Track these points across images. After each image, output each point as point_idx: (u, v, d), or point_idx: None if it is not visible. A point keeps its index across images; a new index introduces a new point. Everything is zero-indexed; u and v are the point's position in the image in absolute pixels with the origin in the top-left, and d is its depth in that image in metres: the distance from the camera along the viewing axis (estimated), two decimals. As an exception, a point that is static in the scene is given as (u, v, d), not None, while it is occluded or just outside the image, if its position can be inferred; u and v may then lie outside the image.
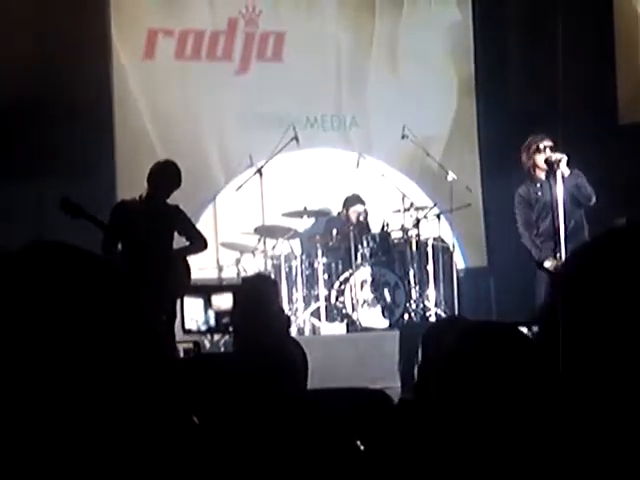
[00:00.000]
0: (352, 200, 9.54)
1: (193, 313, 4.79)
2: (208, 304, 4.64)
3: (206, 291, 4.59)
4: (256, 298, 4.15)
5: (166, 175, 7.31)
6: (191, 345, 6.48)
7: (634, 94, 10.14)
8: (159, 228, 7.24)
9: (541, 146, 7.66)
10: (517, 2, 10.83)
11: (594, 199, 7.64)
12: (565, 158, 7.59)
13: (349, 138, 10.53)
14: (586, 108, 10.21)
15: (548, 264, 7.55)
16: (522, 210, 7.78)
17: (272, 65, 10.45)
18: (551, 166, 7.62)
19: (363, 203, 9.54)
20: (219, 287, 5.05)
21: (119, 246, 7.18)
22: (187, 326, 4.62)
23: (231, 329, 4.25)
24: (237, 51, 10.36)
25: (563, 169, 7.57)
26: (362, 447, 2.48)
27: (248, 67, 10.39)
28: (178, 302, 5.72)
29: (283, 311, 5.04)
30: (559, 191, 7.52)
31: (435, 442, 2.05)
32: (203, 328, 4.79)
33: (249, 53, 10.39)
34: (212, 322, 4.59)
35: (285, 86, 10.29)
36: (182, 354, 6.20)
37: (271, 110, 10.11)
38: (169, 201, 7.40)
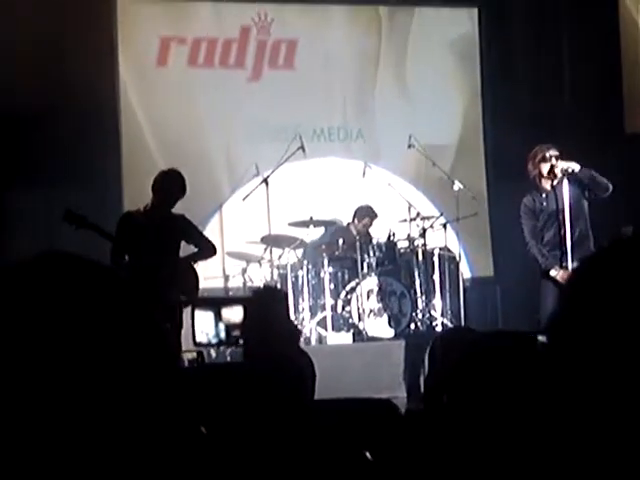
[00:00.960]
0: (365, 212, 9.54)
1: (203, 326, 4.79)
2: (218, 317, 4.64)
3: (216, 304, 4.59)
4: (266, 310, 4.15)
5: (170, 184, 7.30)
6: (195, 355, 6.48)
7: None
8: (165, 238, 7.24)
9: (547, 155, 7.66)
10: (523, 11, 10.84)
11: (611, 188, 7.61)
12: (572, 164, 7.58)
13: (355, 149, 10.54)
14: (593, 117, 10.22)
15: (554, 273, 7.54)
16: (527, 220, 7.77)
17: (284, 73, 10.49)
18: (556, 176, 7.62)
19: (375, 216, 9.55)
20: (229, 300, 5.05)
21: (126, 257, 7.18)
22: (198, 339, 4.63)
23: (241, 342, 4.24)
24: (249, 59, 10.41)
25: (573, 166, 7.55)
26: (370, 457, 2.47)
27: (260, 75, 10.43)
28: (189, 315, 5.72)
29: (293, 323, 5.04)
30: (565, 200, 7.51)
31: (446, 452, 2.04)
32: (214, 341, 4.79)
33: (261, 61, 10.44)
34: (223, 335, 4.60)
35: (294, 96, 10.31)
36: (186, 364, 6.21)
37: (278, 121, 10.13)
38: (174, 210, 7.40)
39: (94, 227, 6.87)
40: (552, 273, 7.56)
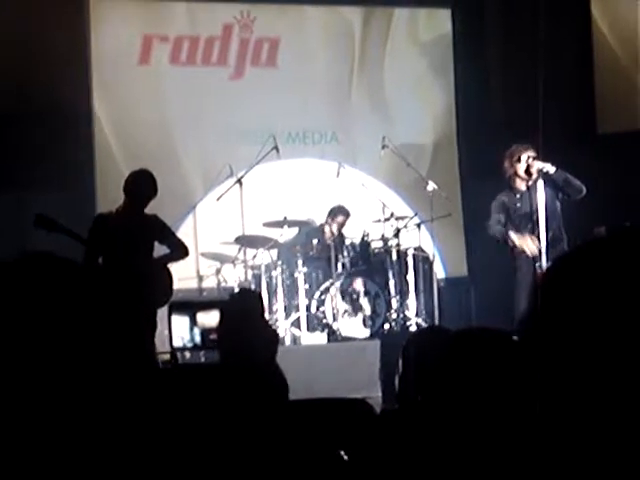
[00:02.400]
0: (337, 210, 9.56)
1: (179, 330, 4.79)
2: (193, 322, 4.65)
3: (191, 308, 4.59)
4: (243, 314, 4.15)
5: (141, 184, 7.29)
6: (168, 356, 6.48)
7: (613, 104, 10.21)
8: (138, 239, 7.22)
9: (523, 156, 7.71)
10: (497, 14, 10.89)
11: (584, 190, 7.68)
12: (547, 165, 7.63)
13: (329, 151, 10.56)
14: (566, 118, 10.28)
15: (514, 236, 7.61)
16: (496, 212, 7.82)
17: (267, 71, 10.51)
18: (531, 176, 7.66)
19: (348, 214, 9.56)
20: (205, 304, 5.03)
21: (100, 260, 7.16)
22: (175, 344, 4.63)
23: (217, 345, 4.24)
24: (232, 57, 10.42)
25: (548, 167, 7.61)
26: (346, 457, 2.48)
27: (243, 73, 10.45)
28: (165, 319, 5.71)
29: (270, 326, 5.04)
30: (540, 201, 7.56)
31: (420, 450, 2.05)
32: (189, 345, 4.79)
33: (244, 59, 10.45)
34: (198, 339, 4.60)
35: (273, 96, 10.32)
36: (160, 365, 6.19)
37: (254, 124, 10.12)
38: (147, 211, 7.38)
39: (66, 230, 6.82)
40: (512, 236, 7.63)
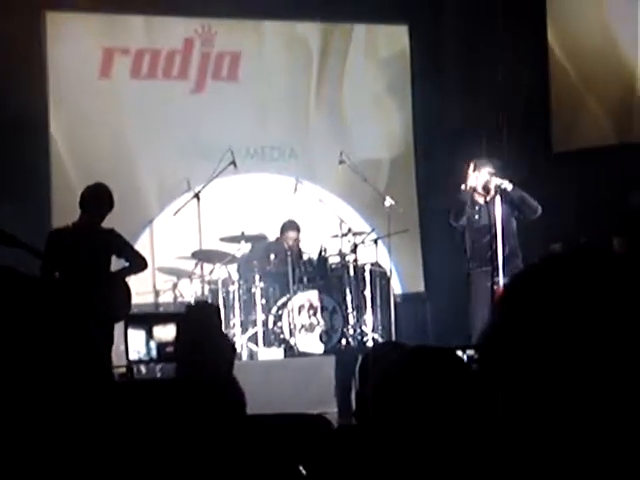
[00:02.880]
0: (287, 226, 9.56)
1: (135, 344, 4.78)
2: (150, 335, 4.64)
3: (147, 322, 4.58)
4: (200, 327, 4.13)
5: (98, 198, 7.27)
6: (124, 370, 6.43)
7: (568, 123, 10.32)
8: (96, 253, 7.19)
9: (482, 171, 7.77)
10: (454, 29, 10.97)
11: (540, 211, 7.76)
12: (505, 182, 7.71)
13: (287, 167, 10.56)
14: (522, 136, 10.37)
15: (463, 187, 7.71)
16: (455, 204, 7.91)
17: (229, 85, 10.53)
18: (489, 191, 7.73)
19: (298, 229, 9.56)
20: (161, 317, 5.01)
21: (56, 274, 7.11)
22: (131, 357, 4.62)
23: (175, 359, 4.22)
24: (193, 70, 10.41)
25: (506, 185, 7.69)
26: (304, 472, 2.48)
27: (204, 86, 10.44)
28: (122, 332, 5.68)
29: (228, 339, 5.02)
30: (497, 216, 7.62)
31: (376, 465, 2.06)
32: (145, 359, 4.78)
33: (204, 72, 10.44)
34: (154, 353, 4.58)
35: (231, 112, 10.31)
36: (116, 379, 6.16)
37: (212, 140, 10.08)
38: (103, 225, 7.35)
39: (24, 246, 6.77)
40: (462, 187, 7.70)
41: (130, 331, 4.75)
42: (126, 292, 7.31)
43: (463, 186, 7.80)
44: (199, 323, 4.18)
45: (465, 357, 3.35)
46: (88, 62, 10.03)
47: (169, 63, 10.37)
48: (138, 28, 10.29)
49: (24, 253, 6.71)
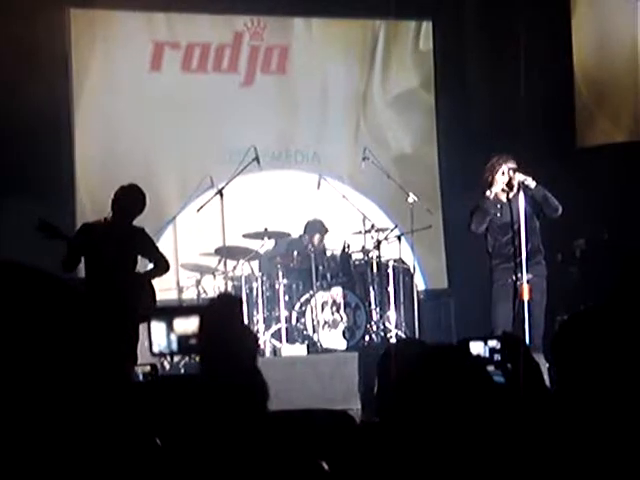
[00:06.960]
0: (315, 227, 9.55)
1: (157, 337, 4.81)
2: (170, 328, 4.65)
3: (168, 314, 4.59)
4: (223, 319, 4.14)
5: (131, 200, 7.37)
6: (148, 368, 6.45)
7: (591, 118, 10.27)
8: (125, 251, 7.28)
9: (504, 168, 7.73)
10: (477, 26, 10.93)
11: (560, 210, 7.72)
12: (529, 179, 7.67)
13: (310, 168, 10.51)
14: (545, 131, 10.33)
15: (488, 193, 7.68)
16: (478, 212, 7.87)
17: (275, 77, 10.60)
18: (512, 188, 7.69)
19: (326, 231, 9.56)
20: (182, 309, 5.03)
21: (81, 265, 7.21)
22: (154, 349, 4.64)
23: (196, 351, 4.23)
24: (242, 64, 10.47)
25: (529, 181, 7.64)
26: (327, 468, 2.48)
27: (253, 79, 10.46)
28: (145, 325, 5.71)
29: (251, 331, 5.04)
30: (521, 212, 7.57)
31: (398, 462, 2.05)
32: (165, 352, 4.80)
33: (254, 66, 10.47)
34: (174, 346, 4.60)
35: (256, 116, 10.30)
36: (141, 377, 6.18)
37: (237, 144, 9.99)
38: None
39: (66, 237, 6.95)
40: (487, 193, 7.68)
41: (153, 324, 4.77)
42: (151, 293, 7.40)
43: (488, 192, 7.75)
44: (222, 315, 4.18)
45: (487, 348, 3.33)
46: (138, 57, 10.08)
47: (219, 57, 10.40)
48: (188, 22, 10.32)
49: (40, 247, 6.77)
